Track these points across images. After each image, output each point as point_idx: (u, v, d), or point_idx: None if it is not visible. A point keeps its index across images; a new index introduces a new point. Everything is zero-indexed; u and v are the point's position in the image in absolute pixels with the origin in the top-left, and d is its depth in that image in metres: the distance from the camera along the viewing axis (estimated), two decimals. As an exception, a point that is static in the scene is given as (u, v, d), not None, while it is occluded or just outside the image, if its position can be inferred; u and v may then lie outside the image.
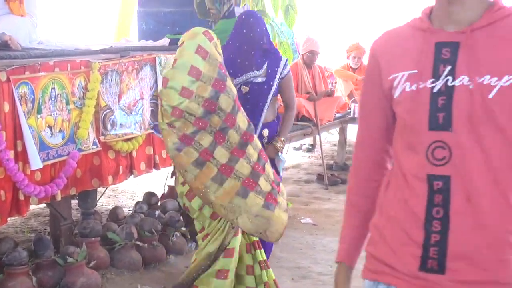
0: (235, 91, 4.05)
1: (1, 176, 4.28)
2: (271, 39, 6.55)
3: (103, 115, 5.15)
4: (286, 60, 5.21)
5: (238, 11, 6.41)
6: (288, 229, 5.61)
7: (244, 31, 4.99)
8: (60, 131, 4.77)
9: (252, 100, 5.03)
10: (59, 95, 4.74)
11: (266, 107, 5.09)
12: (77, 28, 9.79)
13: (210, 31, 4.04)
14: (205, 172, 3.90)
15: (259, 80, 5.05)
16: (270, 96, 5.09)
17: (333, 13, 12.81)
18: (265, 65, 5.05)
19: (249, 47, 5.00)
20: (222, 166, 3.91)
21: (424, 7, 2.02)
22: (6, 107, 4.29)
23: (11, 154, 4.32)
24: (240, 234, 4.37)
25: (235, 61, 4.98)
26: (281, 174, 5.29)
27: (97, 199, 5.70)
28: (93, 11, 9.94)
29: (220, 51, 4.05)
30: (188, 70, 3.87)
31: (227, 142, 3.94)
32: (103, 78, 5.11)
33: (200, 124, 3.88)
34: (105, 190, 6.72)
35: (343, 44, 11.08)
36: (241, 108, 4.08)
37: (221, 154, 3.93)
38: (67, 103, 4.82)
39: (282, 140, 5.18)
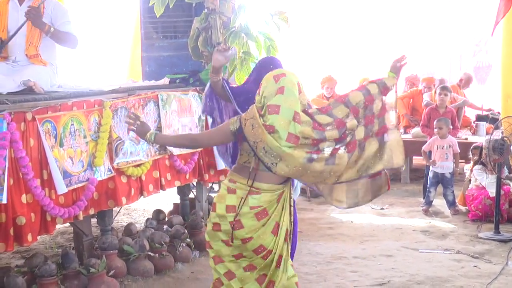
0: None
1: (30, 201, 4.32)
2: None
3: (116, 145, 5.19)
4: None
5: (227, 52, 6.47)
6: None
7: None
8: (79, 160, 4.81)
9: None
10: (77, 130, 4.79)
11: None
12: (92, 73, 9.84)
13: None
14: (338, 164, 3.70)
15: None
16: None
17: (308, 48, 12.91)
18: None
19: None
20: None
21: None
22: (32, 142, 4.34)
23: (38, 182, 4.36)
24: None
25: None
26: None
27: (113, 217, 5.71)
28: (106, 57, 10.00)
29: None
30: (296, 96, 3.66)
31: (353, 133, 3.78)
32: (114, 114, 5.16)
33: (316, 142, 3.67)
34: (120, 209, 6.75)
35: (317, 76, 11.17)
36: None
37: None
38: (84, 137, 4.87)
39: None
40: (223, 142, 3.95)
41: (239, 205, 3.73)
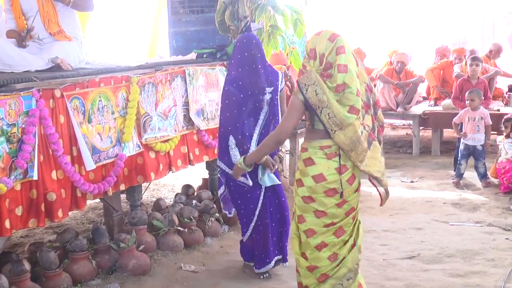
0: None
1: (61, 177, 4.39)
2: (283, 50, 6.62)
3: (143, 121, 5.23)
4: (282, 75, 4.88)
5: (254, 26, 6.45)
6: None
7: (252, 52, 4.64)
8: (108, 137, 4.86)
9: (269, 114, 4.74)
10: (105, 107, 4.83)
11: (279, 116, 4.77)
12: (115, 47, 9.89)
13: None
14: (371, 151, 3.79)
15: (270, 90, 4.71)
16: (278, 106, 4.80)
17: (335, 22, 12.78)
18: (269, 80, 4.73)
19: (261, 66, 4.70)
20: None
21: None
22: (62, 119, 4.40)
23: (68, 158, 4.42)
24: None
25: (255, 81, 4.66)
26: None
27: (143, 192, 5.76)
28: (129, 33, 10.02)
29: None
30: (356, 74, 3.72)
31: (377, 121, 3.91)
32: (141, 90, 5.19)
33: (365, 106, 3.76)
34: (149, 185, 6.81)
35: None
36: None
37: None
38: (112, 113, 4.91)
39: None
40: (301, 114, 3.86)
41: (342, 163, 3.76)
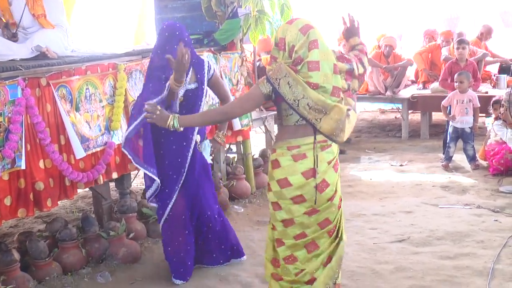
0: None
1: (49, 166, 4.38)
2: (271, 35, 6.60)
3: (132, 108, 5.22)
4: (208, 62, 4.60)
5: (241, 12, 6.43)
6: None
7: (175, 46, 4.17)
8: (96, 125, 4.85)
9: (187, 106, 4.43)
10: (93, 95, 4.82)
11: (201, 110, 4.49)
12: (101, 35, 9.84)
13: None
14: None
15: (192, 86, 4.43)
16: (203, 100, 4.53)
17: (323, 6, 12.75)
18: (191, 71, 4.43)
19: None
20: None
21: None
22: (48, 107, 4.38)
23: (55, 147, 4.41)
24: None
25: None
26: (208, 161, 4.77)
27: (132, 180, 5.76)
28: (114, 20, 9.97)
29: None
30: (328, 47, 3.48)
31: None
32: (128, 77, 5.18)
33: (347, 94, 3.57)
34: (138, 173, 6.80)
35: (333, 34, 11.07)
36: None
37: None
38: (100, 101, 4.90)
39: (222, 134, 4.79)
40: (257, 106, 3.74)
41: (315, 165, 3.48)
